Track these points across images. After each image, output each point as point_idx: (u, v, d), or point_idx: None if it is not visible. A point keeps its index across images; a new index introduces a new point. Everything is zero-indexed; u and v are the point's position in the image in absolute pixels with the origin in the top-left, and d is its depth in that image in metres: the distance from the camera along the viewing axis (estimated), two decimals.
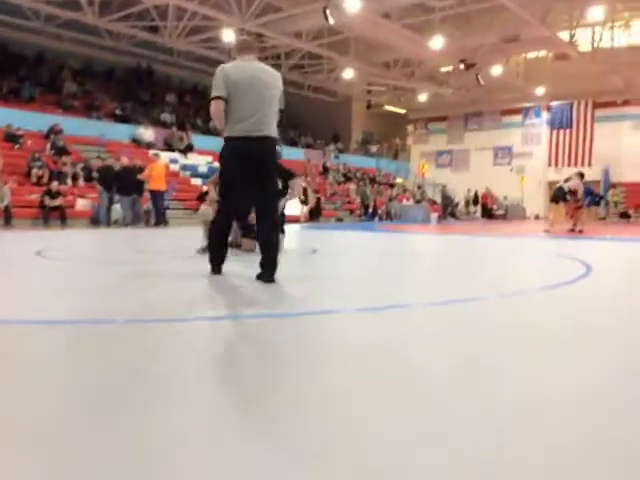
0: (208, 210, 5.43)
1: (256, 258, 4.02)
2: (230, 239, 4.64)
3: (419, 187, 26.28)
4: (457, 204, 25.36)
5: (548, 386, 1.68)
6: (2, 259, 5.93)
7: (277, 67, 22.33)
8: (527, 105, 26.63)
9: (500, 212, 25.46)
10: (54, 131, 15.59)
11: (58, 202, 12.55)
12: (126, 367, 1.84)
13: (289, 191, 5.73)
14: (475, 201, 25.86)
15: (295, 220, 14.79)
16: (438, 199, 24.75)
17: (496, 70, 21.98)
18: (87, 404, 1.50)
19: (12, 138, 14.80)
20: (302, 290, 3.77)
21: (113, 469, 1.12)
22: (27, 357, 1.96)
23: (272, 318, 2.69)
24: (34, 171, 13.68)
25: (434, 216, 21.30)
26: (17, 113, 15.73)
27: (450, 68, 23.23)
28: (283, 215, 6.67)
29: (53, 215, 12.44)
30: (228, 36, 18.39)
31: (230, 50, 20.50)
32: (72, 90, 19.07)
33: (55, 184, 12.85)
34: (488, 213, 25.25)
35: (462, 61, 20.28)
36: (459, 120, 28.99)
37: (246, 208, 4.34)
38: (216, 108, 3.78)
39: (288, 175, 5.64)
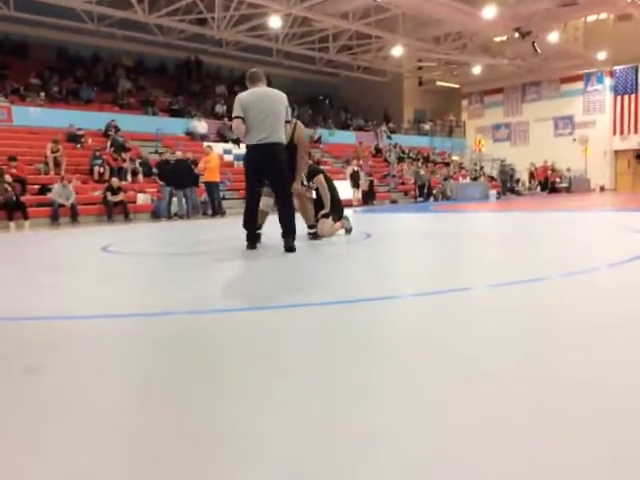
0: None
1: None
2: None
3: (475, 164, 25.59)
4: (518, 179, 24.58)
5: None
6: (70, 256, 6.17)
7: (325, 50, 22.39)
8: (588, 71, 25.36)
9: (563, 185, 24.51)
10: (111, 127, 16.10)
11: (120, 197, 12.96)
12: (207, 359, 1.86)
13: (311, 184, 6.39)
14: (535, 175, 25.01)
15: (348, 204, 14.73)
16: (496, 175, 24.07)
17: (553, 37, 21.02)
18: (156, 394, 1.51)
19: (74, 138, 15.38)
20: (357, 276, 3.73)
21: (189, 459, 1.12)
22: (100, 350, 2.01)
23: (339, 305, 2.65)
24: (96, 169, 14.17)
25: (493, 193, 20.73)
26: (77, 113, 16.33)
27: (504, 38, 22.41)
28: (339, 201, 6.71)
29: (116, 210, 12.87)
30: (275, 22, 18.41)
31: (275, 37, 20.53)
32: (127, 87, 19.60)
33: (116, 180, 13.27)
34: (549, 187, 24.36)
35: (517, 29, 19.49)
36: (516, 91, 27.96)
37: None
38: (236, 125, 5.06)
39: (312, 173, 6.43)
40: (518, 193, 23.26)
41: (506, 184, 22.88)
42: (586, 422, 1.27)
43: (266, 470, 1.10)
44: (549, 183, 24.62)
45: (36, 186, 12.79)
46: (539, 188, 24.59)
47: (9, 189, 11.58)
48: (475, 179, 23.22)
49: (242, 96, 5.08)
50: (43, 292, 3.48)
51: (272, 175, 5.19)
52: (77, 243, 7.96)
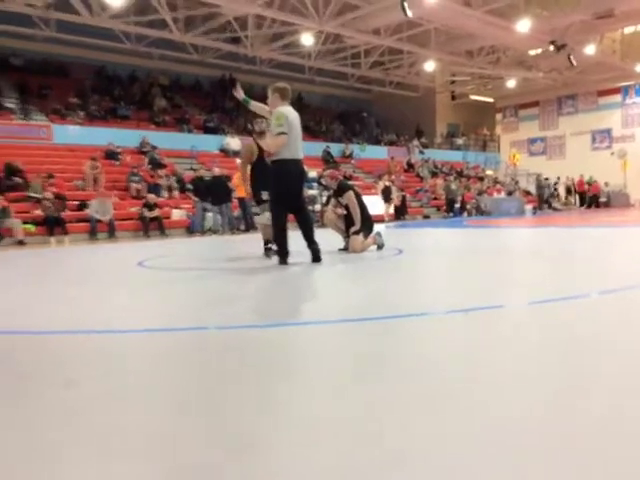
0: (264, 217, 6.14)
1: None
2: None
3: (512, 178, 25.18)
4: (556, 193, 24.07)
5: None
6: (107, 271, 6.30)
7: (357, 66, 22.52)
8: (626, 84, 24.86)
9: (602, 200, 23.96)
10: (145, 144, 16.52)
11: (156, 213, 13.20)
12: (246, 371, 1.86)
13: (340, 200, 6.60)
14: (573, 190, 24.50)
15: (379, 220, 14.68)
16: (532, 190, 23.65)
17: (589, 49, 20.68)
18: (188, 405, 1.52)
19: (112, 155, 15.79)
20: (389, 292, 3.69)
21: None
22: (134, 363, 2.04)
23: (369, 322, 2.63)
24: (133, 185, 14.49)
25: (528, 208, 20.38)
26: (114, 131, 16.78)
27: (539, 51, 22.12)
28: (369, 217, 6.67)
29: (152, 226, 13.11)
30: (307, 40, 18.65)
31: (307, 54, 20.74)
32: (162, 105, 20.05)
33: (152, 196, 13.53)
34: (587, 201, 23.84)
35: (552, 42, 19.24)
36: (552, 104, 27.56)
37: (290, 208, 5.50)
38: (283, 142, 5.13)
39: (342, 189, 6.62)
40: (555, 208, 22.81)
41: (543, 199, 22.46)
42: None
43: None
44: (587, 198, 24.10)
45: (75, 202, 13.14)
46: (577, 203, 24.08)
47: (50, 206, 11.92)
48: (510, 194, 22.88)
49: (286, 111, 5.22)
50: (78, 306, 3.55)
51: (300, 189, 5.53)
52: (114, 258, 8.12)
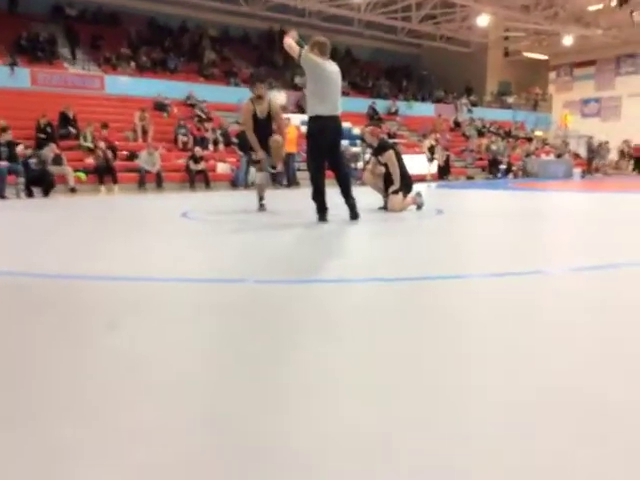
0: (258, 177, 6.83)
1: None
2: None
3: (563, 141, 24.35)
4: (605, 155, 23.12)
5: None
6: (153, 221, 6.63)
7: (407, 19, 21.91)
8: None
9: None
10: (191, 97, 16.77)
11: (201, 166, 13.50)
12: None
13: (380, 159, 6.61)
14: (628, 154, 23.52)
15: (422, 179, 14.60)
16: (583, 152, 22.89)
17: None
18: (225, 357, 1.74)
19: (161, 107, 16.09)
20: (423, 252, 3.83)
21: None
22: (173, 311, 2.28)
23: (402, 282, 2.79)
24: (180, 137, 14.80)
25: (577, 171, 19.81)
26: (164, 83, 17.03)
27: (599, 6, 21.01)
28: (409, 176, 6.72)
29: (198, 178, 13.43)
30: None
31: (357, 6, 20.31)
32: (211, 58, 20.12)
33: (198, 149, 13.81)
34: None
35: None
36: (609, 64, 26.26)
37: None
38: (293, 38, 5.33)
39: (382, 148, 6.69)
40: (606, 173, 22.07)
41: (593, 162, 21.74)
42: None
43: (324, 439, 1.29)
44: None
45: (125, 152, 13.55)
46: (631, 168, 23.18)
47: (101, 155, 12.35)
48: (559, 156, 22.22)
49: (321, 62, 5.24)
50: (123, 254, 3.81)
51: (335, 146, 5.46)
52: (160, 208, 8.47)
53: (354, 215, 5.42)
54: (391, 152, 6.56)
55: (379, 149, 6.69)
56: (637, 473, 1.05)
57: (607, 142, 22.39)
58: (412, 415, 1.28)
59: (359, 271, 3.16)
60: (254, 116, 6.52)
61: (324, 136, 5.27)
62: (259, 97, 6.60)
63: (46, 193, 10.58)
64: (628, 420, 1.25)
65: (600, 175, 21.18)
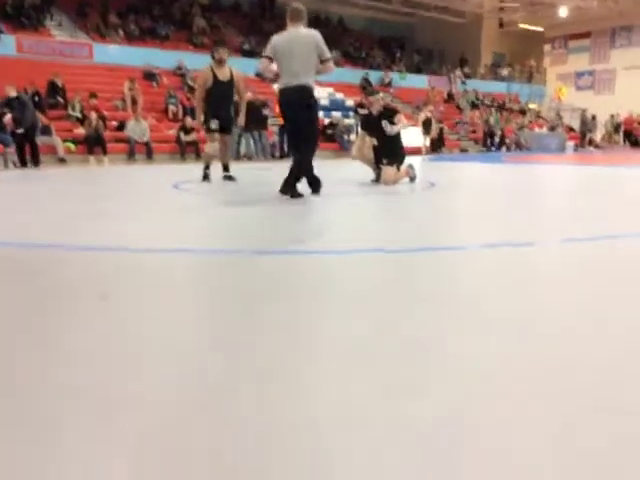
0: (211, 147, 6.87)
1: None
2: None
3: (557, 113, 24.22)
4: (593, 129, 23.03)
5: None
6: (144, 192, 6.55)
7: None
8: None
9: None
10: (181, 67, 16.44)
11: (192, 137, 13.33)
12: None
13: (394, 121, 6.37)
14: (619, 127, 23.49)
15: (416, 151, 14.51)
16: (576, 125, 22.81)
17: None
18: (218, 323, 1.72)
19: (150, 76, 15.79)
20: (412, 226, 3.81)
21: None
22: (164, 282, 2.25)
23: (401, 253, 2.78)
24: (170, 108, 14.58)
25: (570, 145, 19.79)
26: (153, 52, 16.68)
27: None
28: (402, 148, 6.64)
29: (189, 149, 13.28)
30: None
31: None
32: (201, 26, 19.72)
33: (189, 120, 13.60)
34: (633, 141, 22.91)
35: None
36: (604, 36, 26.03)
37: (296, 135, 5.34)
38: (263, 65, 5.14)
39: (392, 111, 6.58)
40: (598, 146, 22.05)
41: (585, 136, 21.69)
42: None
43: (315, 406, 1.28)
44: (634, 136, 23.12)
45: (114, 123, 13.33)
46: (622, 140, 23.16)
47: (92, 125, 12.14)
48: (553, 129, 22.13)
49: (274, 39, 5.15)
50: (114, 224, 3.76)
51: (299, 120, 5.10)
52: (151, 179, 8.38)
53: (285, 190, 5.12)
54: (402, 115, 6.57)
55: (389, 113, 6.51)
56: None
57: (595, 116, 22.27)
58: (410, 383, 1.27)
59: (358, 243, 3.13)
60: (215, 81, 6.58)
61: (286, 109, 5.18)
62: (220, 61, 6.68)
63: (36, 163, 10.36)
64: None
65: (592, 149, 21.16)
